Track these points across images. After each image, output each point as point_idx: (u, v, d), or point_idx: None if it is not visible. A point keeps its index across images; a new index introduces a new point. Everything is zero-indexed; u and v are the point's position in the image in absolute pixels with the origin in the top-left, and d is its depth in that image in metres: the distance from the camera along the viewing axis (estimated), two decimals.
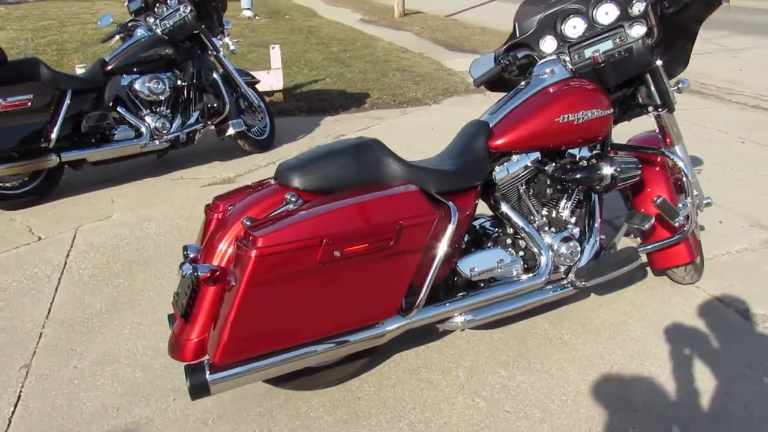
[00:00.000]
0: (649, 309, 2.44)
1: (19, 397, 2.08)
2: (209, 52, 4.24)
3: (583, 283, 2.13)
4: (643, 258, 2.41)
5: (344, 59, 7.60)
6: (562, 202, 2.24)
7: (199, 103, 4.16)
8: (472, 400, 2.00)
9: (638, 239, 2.59)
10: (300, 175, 1.84)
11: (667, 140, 2.44)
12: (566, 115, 2.09)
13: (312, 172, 1.84)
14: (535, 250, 2.13)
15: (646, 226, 2.19)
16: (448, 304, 1.98)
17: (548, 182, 2.19)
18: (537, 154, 2.17)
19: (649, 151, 2.39)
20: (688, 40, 2.26)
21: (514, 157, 2.15)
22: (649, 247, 2.31)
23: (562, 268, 2.19)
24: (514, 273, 2.10)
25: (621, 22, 2.22)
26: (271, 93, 5.67)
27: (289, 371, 1.79)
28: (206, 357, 1.78)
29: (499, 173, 2.14)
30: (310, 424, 1.91)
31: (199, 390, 1.67)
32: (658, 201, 2.21)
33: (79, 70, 4.45)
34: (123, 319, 2.50)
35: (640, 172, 2.18)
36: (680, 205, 2.25)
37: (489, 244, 2.14)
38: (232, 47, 4.38)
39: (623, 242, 2.55)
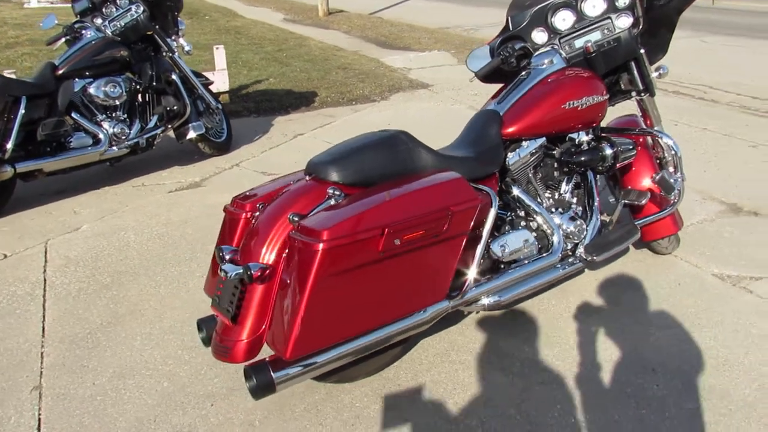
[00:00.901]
0: (641, 279, 2.63)
1: (40, 420, 1.97)
2: (164, 54, 4.10)
3: (593, 257, 2.27)
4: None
5: (281, 59, 7.53)
6: (565, 184, 2.38)
7: (158, 107, 4.03)
8: (507, 377, 2.10)
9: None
10: (339, 169, 1.86)
11: (648, 122, 2.64)
12: (571, 102, 2.23)
13: (350, 166, 1.87)
14: (548, 230, 2.25)
15: (644, 201, 2.38)
16: (479, 286, 2.06)
17: (555, 165, 2.32)
18: (543, 140, 2.30)
19: (638, 131, 2.57)
20: (668, 29, 2.46)
21: (524, 143, 2.27)
22: (645, 220, 2.49)
23: (570, 246, 2.33)
24: (534, 252, 2.21)
25: (608, 13, 2.39)
26: (217, 95, 5.53)
27: (347, 362, 1.81)
28: (256, 356, 1.79)
29: (512, 159, 2.24)
30: (359, 414, 1.94)
31: (265, 389, 1.67)
32: (657, 177, 2.39)
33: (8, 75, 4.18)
34: (129, 330, 2.41)
35: (636, 151, 2.36)
36: (673, 180, 2.45)
37: (506, 227, 2.24)
38: (187, 48, 4.27)
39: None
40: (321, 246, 1.57)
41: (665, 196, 2.42)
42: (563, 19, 2.45)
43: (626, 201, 2.42)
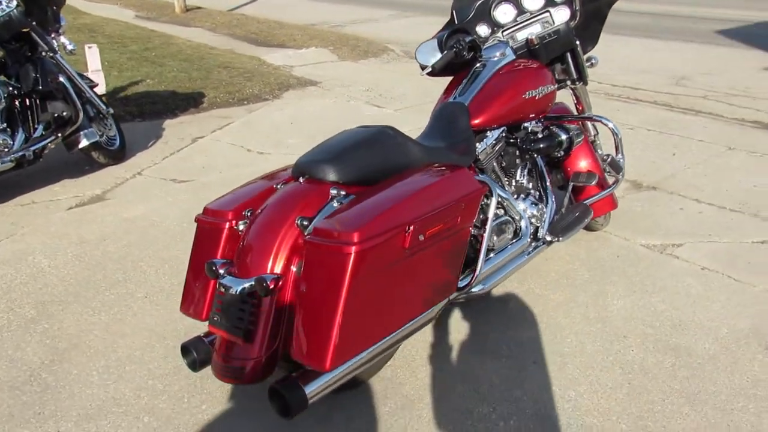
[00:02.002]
0: (585, 256, 2.83)
1: None
2: (44, 54, 3.64)
3: (559, 238, 2.40)
4: None
5: (152, 58, 7.02)
6: (521, 171, 2.49)
7: (44, 113, 3.58)
8: (500, 361, 2.15)
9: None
10: (337, 168, 1.78)
11: (580, 108, 2.83)
12: (530, 92, 2.33)
13: (348, 165, 1.80)
14: (515, 216, 2.34)
15: (593, 182, 2.55)
16: (470, 275, 2.08)
17: (517, 153, 2.41)
18: (504, 129, 2.37)
19: (580, 117, 2.73)
20: (600, 22, 2.64)
21: (488, 133, 2.33)
22: (593, 199, 2.66)
23: (532, 229, 2.44)
24: (509, 238, 2.28)
25: (547, 7, 2.53)
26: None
27: (367, 365, 1.75)
28: (271, 373, 1.67)
29: (480, 149, 2.29)
30: (373, 419, 1.89)
31: (299, 406, 1.56)
32: (609, 159, 2.57)
33: None
34: (80, 366, 2.14)
35: (584, 136, 2.52)
36: (621, 160, 2.64)
37: (480, 216, 2.28)
38: (70, 47, 3.84)
39: None
40: (354, 248, 1.50)
41: (615, 175, 2.62)
42: (504, 13, 2.55)
43: (576, 183, 2.58)
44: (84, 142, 3.73)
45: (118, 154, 4.12)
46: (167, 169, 4.02)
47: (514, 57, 2.45)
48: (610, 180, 2.73)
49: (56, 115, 3.58)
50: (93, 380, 2.07)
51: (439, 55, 2.51)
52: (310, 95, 5.84)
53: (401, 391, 2.01)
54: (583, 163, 2.70)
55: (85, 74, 4.13)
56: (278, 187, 1.90)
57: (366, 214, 1.59)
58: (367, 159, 1.83)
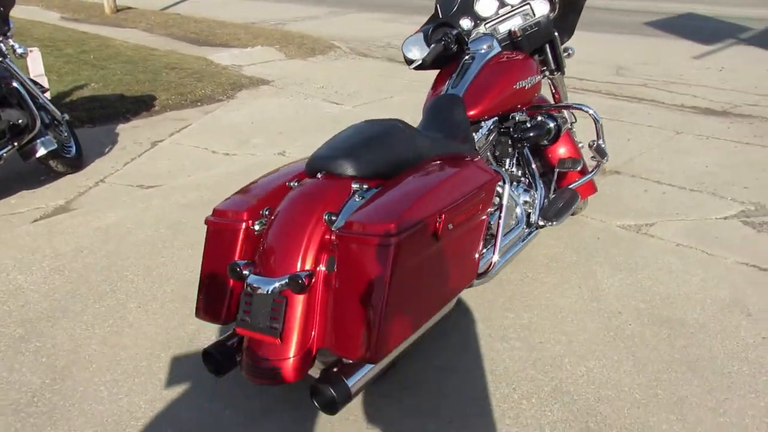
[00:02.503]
0: (567, 239, 2.94)
1: None
2: None
3: (552, 222, 2.48)
4: None
5: (91, 61, 6.72)
6: (510, 160, 2.56)
7: None
8: (508, 343, 2.22)
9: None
10: (356, 163, 1.79)
11: (557, 97, 2.93)
12: (520, 82, 2.40)
13: (366, 159, 1.81)
14: (512, 203, 2.41)
15: (579, 167, 2.65)
16: (487, 261, 2.13)
17: (509, 142, 2.48)
18: (495, 119, 2.44)
19: (562, 105, 2.82)
20: (576, 13, 2.75)
21: (482, 124, 2.39)
22: (577, 183, 2.76)
23: (525, 215, 2.52)
24: (510, 225, 2.35)
25: (527, 0, 2.61)
26: None
27: (399, 354, 1.77)
28: (308, 371, 1.66)
29: (476, 139, 2.35)
30: (395, 413, 1.91)
31: (344, 400, 1.56)
32: (594, 145, 2.68)
33: None
34: (84, 383, 2.06)
35: (569, 123, 2.62)
36: (604, 146, 2.76)
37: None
38: (19, 50, 3.65)
39: None
40: (393, 240, 1.51)
41: (600, 160, 2.73)
42: (487, 6, 2.61)
43: (562, 169, 2.68)
44: (42, 151, 3.55)
45: (75, 162, 3.94)
46: (131, 174, 3.88)
47: (500, 49, 2.52)
48: (590, 165, 2.85)
49: (12, 123, 3.39)
50: (102, 395, 1.99)
51: (426, 49, 2.55)
52: (264, 94, 5.76)
53: (421, 379, 2.04)
54: (563, 150, 2.81)
55: (35, 80, 3.92)
56: (292, 184, 1.89)
57: (399, 206, 1.61)
58: (383, 153, 1.85)
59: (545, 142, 2.53)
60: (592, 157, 2.74)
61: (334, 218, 1.67)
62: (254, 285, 1.66)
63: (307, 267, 1.65)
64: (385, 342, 1.53)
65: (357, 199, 1.74)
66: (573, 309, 2.41)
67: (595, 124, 2.71)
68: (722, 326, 2.28)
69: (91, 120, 4.93)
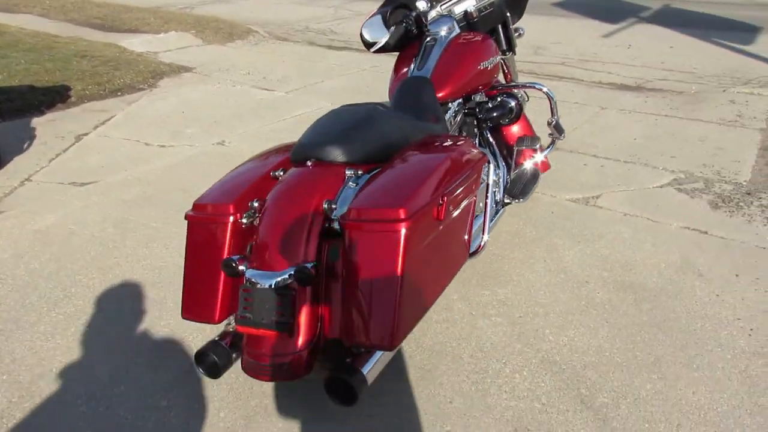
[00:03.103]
0: (525, 215, 3.03)
1: None
2: None
3: (520, 200, 2.55)
4: None
5: None
6: (474, 139, 2.60)
7: None
8: (490, 320, 2.27)
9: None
10: (346, 149, 1.76)
11: (509, 77, 3.00)
12: (483, 63, 2.44)
13: (355, 144, 1.78)
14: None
15: (537, 145, 2.73)
16: (477, 240, 2.15)
17: (474, 123, 2.52)
18: (461, 101, 2.47)
19: (519, 84, 2.87)
20: None
21: (450, 105, 2.41)
22: (537, 159, 2.83)
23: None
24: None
25: None
26: None
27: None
28: (314, 364, 1.63)
29: (447, 120, 2.37)
30: (402, 396, 1.91)
31: (361, 387, 1.54)
32: (554, 122, 2.76)
33: None
34: (57, 398, 1.92)
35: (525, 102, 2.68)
36: (558, 121, 2.84)
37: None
38: None
39: None
40: (403, 225, 1.50)
41: (558, 137, 2.82)
42: None
43: (521, 147, 2.75)
44: None
45: None
46: (60, 171, 3.61)
47: (459, 31, 2.54)
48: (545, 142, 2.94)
49: None
50: (82, 410, 1.86)
51: (384, 31, 2.54)
52: (188, 82, 5.51)
53: (414, 364, 2.05)
54: (517, 128, 2.88)
55: None
56: (277, 173, 1.84)
57: (404, 190, 1.59)
58: (372, 137, 1.82)
59: (506, 120, 2.59)
60: (549, 134, 2.83)
61: (334, 206, 1.64)
62: (254, 280, 1.60)
63: (310, 258, 1.61)
64: (401, 328, 1.53)
65: (352, 186, 1.71)
66: (543, 282, 2.49)
67: (550, 101, 2.80)
68: (679, 288, 2.44)
69: (0, 114, 4.52)
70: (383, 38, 2.53)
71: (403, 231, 1.50)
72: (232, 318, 1.78)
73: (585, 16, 8.58)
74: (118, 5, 9.13)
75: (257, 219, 1.74)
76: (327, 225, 1.65)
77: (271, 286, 1.57)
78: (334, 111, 1.95)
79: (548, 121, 2.81)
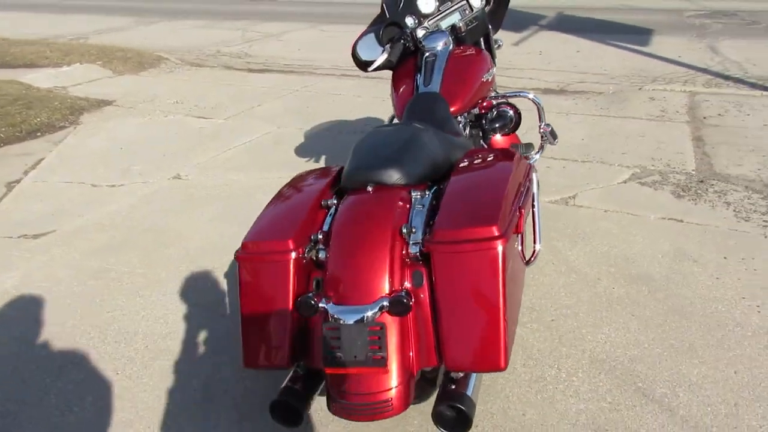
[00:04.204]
0: None
1: None
2: None
3: None
4: None
5: None
6: None
7: None
8: (526, 327, 2.29)
9: None
10: (405, 171, 1.72)
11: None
12: (484, 76, 2.47)
13: (412, 165, 1.75)
14: None
15: (532, 152, 2.80)
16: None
17: (480, 134, 2.54)
18: (468, 113, 2.48)
19: (508, 94, 2.91)
20: (504, 8, 2.88)
21: (459, 119, 2.41)
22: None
23: None
24: None
25: None
26: None
27: None
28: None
29: None
30: None
31: (472, 412, 1.49)
32: (549, 128, 2.82)
33: None
34: None
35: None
36: (549, 127, 2.90)
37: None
38: None
39: None
40: (500, 242, 1.48)
41: (552, 142, 2.90)
42: (427, 3, 2.63)
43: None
44: None
45: None
46: (2, 225, 3.23)
47: (453, 45, 2.56)
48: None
49: None
50: None
51: (379, 50, 2.52)
52: (113, 116, 5.16)
53: None
54: (502, 138, 2.94)
55: None
56: (329, 203, 1.75)
57: (486, 207, 1.56)
58: (423, 157, 1.79)
59: (508, 130, 2.63)
60: (542, 139, 2.91)
61: (415, 230, 1.58)
62: (340, 317, 1.51)
63: (397, 286, 1.55)
64: (508, 346, 1.50)
65: (419, 208, 1.67)
66: (560, 284, 2.55)
67: (538, 108, 2.89)
68: (682, 275, 2.58)
69: None
70: (381, 56, 2.50)
71: (500, 248, 1.48)
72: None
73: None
74: (1, 39, 8.40)
75: (320, 252, 1.66)
76: (406, 251, 1.59)
77: (362, 320, 1.49)
78: (374, 133, 1.90)
79: (540, 127, 2.88)
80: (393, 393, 1.51)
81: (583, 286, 2.53)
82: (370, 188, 1.71)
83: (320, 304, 1.54)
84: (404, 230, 1.58)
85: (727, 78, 5.92)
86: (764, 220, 3.01)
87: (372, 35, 2.54)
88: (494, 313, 1.48)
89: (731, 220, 3.03)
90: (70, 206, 3.41)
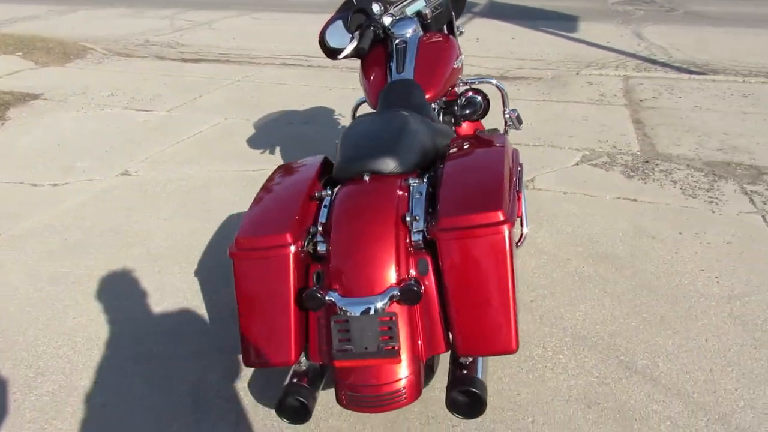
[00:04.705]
0: None
1: None
2: None
3: None
4: None
5: None
6: None
7: None
8: None
9: None
10: (401, 159, 1.71)
11: None
12: (454, 62, 2.48)
13: (407, 153, 1.74)
14: None
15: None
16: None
17: (452, 121, 2.55)
18: (441, 100, 2.49)
19: (474, 81, 2.93)
20: None
21: (433, 105, 2.42)
22: None
23: None
24: None
25: None
26: None
27: None
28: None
29: None
30: None
31: (486, 394, 1.51)
32: (515, 114, 2.86)
33: None
34: None
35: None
36: (515, 112, 2.94)
37: None
38: None
39: None
40: (506, 227, 1.49)
41: (518, 127, 2.94)
42: None
43: None
44: None
45: None
46: None
47: (422, 32, 2.55)
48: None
49: None
50: None
51: (348, 37, 2.49)
52: (44, 110, 4.85)
53: None
54: (467, 124, 2.97)
55: None
56: (322, 194, 1.72)
57: (487, 193, 1.58)
58: (416, 144, 1.79)
59: (478, 116, 2.66)
60: (508, 124, 2.96)
61: (418, 217, 1.58)
62: (348, 308, 1.49)
63: (403, 275, 1.54)
64: (517, 328, 1.52)
65: (418, 196, 1.66)
66: (532, 265, 2.62)
67: (502, 93, 2.93)
68: (644, 251, 2.71)
69: None
70: (351, 44, 2.47)
71: (506, 232, 1.49)
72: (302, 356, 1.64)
73: None
74: None
75: (318, 245, 1.63)
76: (409, 239, 1.59)
77: (372, 311, 1.48)
78: (361, 122, 1.88)
79: (506, 113, 2.93)
80: (405, 382, 1.52)
81: (554, 266, 2.61)
82: (366, 178, 1.68)
83: (326, 297, 1.52)
84: (408, 219, 1.57)
85: (654, 62, 6.23)
86: (709, 197, 3.20)
87: (340, 22, 2.50)
88: (504, 296, 1.50)
89: (680, 198, 3.20)
90: (11, 208, 3.19)
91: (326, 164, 1.93)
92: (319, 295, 1.51)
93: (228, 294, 2.40)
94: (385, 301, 1.48)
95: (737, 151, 3.82)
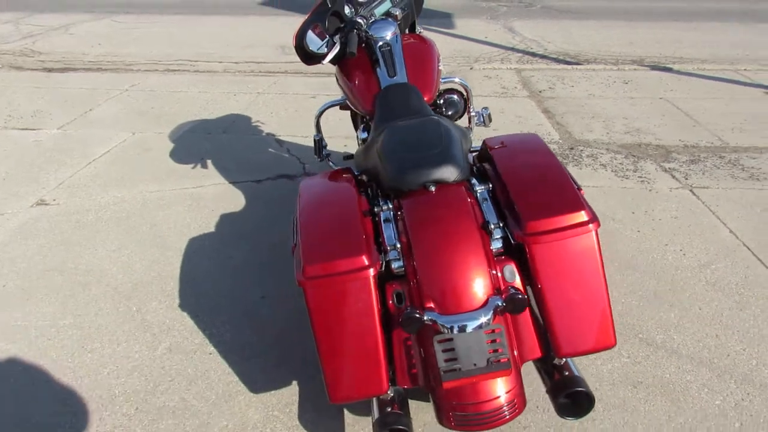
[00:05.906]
0: None
1: None
2: None
3: None
4: None
5: None
6: None
7: None
8: None
9: None
10: (461, 167, 1.68)
11: None
12: (437, 64, 2.46)
13: (461, 160, 1.70)
14: None
15: (470, 135, 2.85)
16: None
17: None
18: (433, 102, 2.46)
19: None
20: None
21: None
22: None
23: None
24: None
25: None
26: None
27: None
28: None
29: None
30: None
31: (590, 390, 1.52)
32: (486, 112, 2.87)
33: None
34: None
35: None
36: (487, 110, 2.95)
37: None
38: None
39: None
40: (592, 226, 1.51)
41: (487, 125, 2.96)
42: None
43: None
44: None
45: None
46: None
47: (399, 33, 2.50)
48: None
49: None
50: None
51: (326, 41, 2.38)
52: None
53: None
54: None
55: None
56: (377, 210, 1.64)
57: (563, 193, 1.58)
58: (463, 150, 1.76)
59: (457, 116, 2.66)
60: (477, 122, 2.98)
61: (501, 225, 1.55)
62: (451, 326, 1.43)
63: (496, 285, 1.51)
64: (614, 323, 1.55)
65: (484, 202, 1.63)
66: None
67: (467, 92, 2.95)
68: (611, 233, 2.89)
69: None
70: (334, 48, 2.35)
71: (593, 231, 1.52)
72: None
73: (297, 13, 8.87)
74: None
75: (393, 263, 1.55)
76: (492, 247, 1.55)
77: (479, 326, 1.42)
78: (398, 130, 1.80)
79: (472, 110, 2.94)
80: (514, 393, 1.48)
81: None
82: (432, 188, 1.62)
83: (425, 317, 1.44)
84: (490, 226, 1.54)
85: (534, 55, 6.65)
86: (640, 176, 3.49)
87: (318, 26, 2.37)
88: (599, 293, 1.52)
89: (615, 180, 3.46)
90: None
91: (357, 176, 1.84)
92: (417, 315, 1.42)
93: (233, 328, 2.20)
94: (490, 313, 1.44)
95: (641, 132, 4.20)
